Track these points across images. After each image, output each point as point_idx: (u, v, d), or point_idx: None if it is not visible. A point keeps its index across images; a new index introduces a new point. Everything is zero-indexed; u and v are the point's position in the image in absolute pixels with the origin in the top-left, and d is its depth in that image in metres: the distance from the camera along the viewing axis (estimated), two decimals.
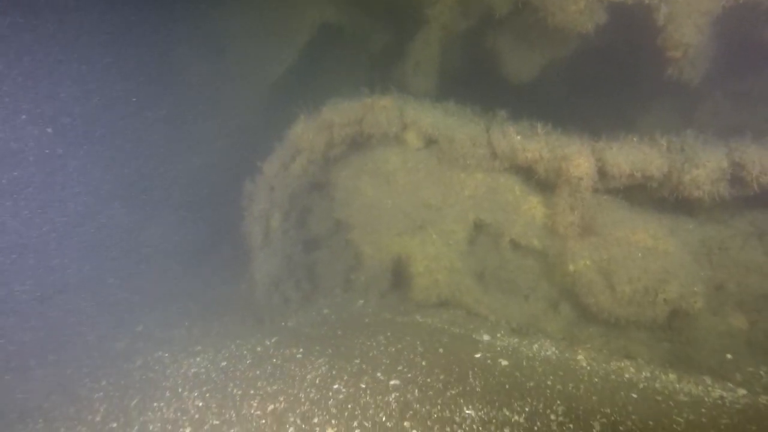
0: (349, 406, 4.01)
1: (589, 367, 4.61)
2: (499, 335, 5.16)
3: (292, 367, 4.76)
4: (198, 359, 5.36)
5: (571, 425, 3.67)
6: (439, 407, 3.90)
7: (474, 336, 5.13)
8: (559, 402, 3.95)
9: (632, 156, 4.36)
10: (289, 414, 4.04)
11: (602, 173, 4.50)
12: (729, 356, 4.62)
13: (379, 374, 4.42)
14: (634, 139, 4.50)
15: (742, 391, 4.18)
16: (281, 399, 4.25)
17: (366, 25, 8.14)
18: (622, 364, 4.66)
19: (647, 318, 4.64)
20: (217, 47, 8.23)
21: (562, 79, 7.30)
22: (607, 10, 5.48)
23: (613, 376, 4.45)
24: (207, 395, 4.56)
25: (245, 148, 7.15)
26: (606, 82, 7.21)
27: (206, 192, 8.44)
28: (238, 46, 8.35)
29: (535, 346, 4.96)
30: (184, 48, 7.85)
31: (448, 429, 3.66)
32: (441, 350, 4.78)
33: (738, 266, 4.64)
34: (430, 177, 5.48)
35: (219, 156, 8.39)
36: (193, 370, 5.11)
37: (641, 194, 4.89)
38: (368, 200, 5.96)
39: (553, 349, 4.92)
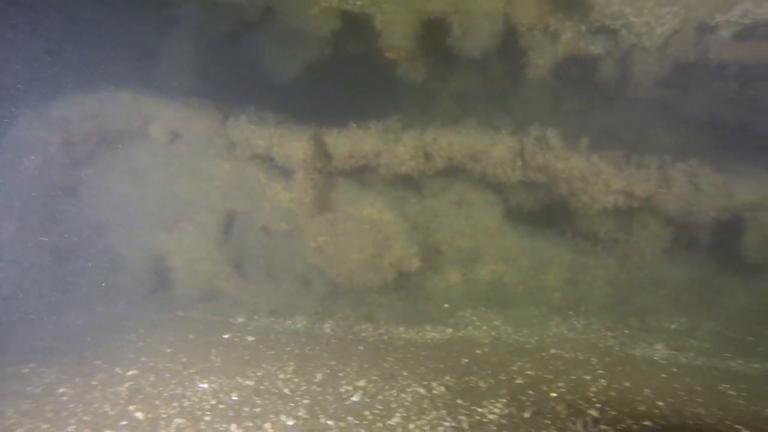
0: (71, 406, 3.80)
1: (331, 332, 5.10)
2: (256, 317, 5.41)
3: (11, 386, 4.31)
4: None
5: (296, 379, 4.04)
6: (172, 386, 3.95)
7: (230, 320, 5.29)
8: (292, 363, 4.32)
9: (350, 140, 4.99)
10: None
11: (328, 156, 5.05)
12: (446, 306, 5.55)
13: (117, 369, 4.29)
14: (354, 125, 5.14)
15: (449, 330, 5.06)
16: None
17: (125, 22, 7.80)
18: (363, 326, 5.26)
19: (380, 281, 5.30)
20: None
21: (325, 80, 7.91)
22: (340, 18, 6.17)
23: (350, 337, 5.00)
24: None
25: None
26: (365, 83, 8.03)
27: None
28: None
29: (288, 322, 5.32)
30: None
31: (175, 404, 3.72)
32: (191, 336, 4.83)
33: (448, 230, 5.59)
34: (181, 170, 5.50)
35: None
36: None
37: (372, 176, 5.60)
38: (121, 199, 5.72)
39: (305, 322, 5.33)
